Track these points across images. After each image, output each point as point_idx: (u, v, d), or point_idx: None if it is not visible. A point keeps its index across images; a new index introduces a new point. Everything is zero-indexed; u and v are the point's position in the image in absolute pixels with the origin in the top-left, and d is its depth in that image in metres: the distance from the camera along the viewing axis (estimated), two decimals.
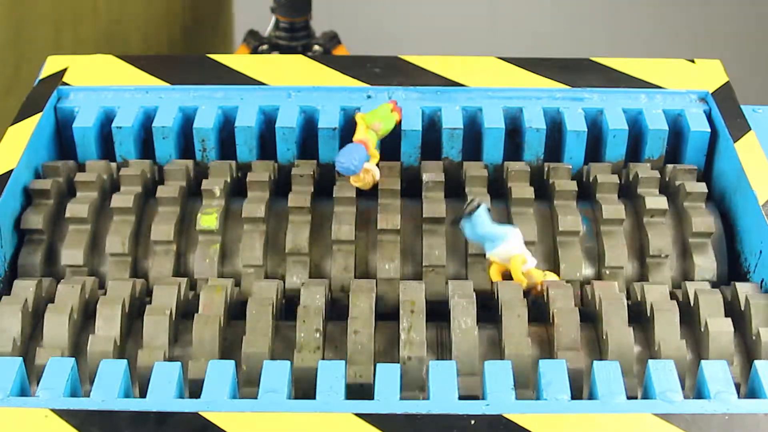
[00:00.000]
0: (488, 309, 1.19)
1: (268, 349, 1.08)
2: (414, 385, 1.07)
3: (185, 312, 1.17)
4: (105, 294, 1.15)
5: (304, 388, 1.06)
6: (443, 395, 0.99)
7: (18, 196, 1.29)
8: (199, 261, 1.26)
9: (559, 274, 1.25)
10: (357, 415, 0.96)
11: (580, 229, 1.26)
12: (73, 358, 1.03)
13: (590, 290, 1.17)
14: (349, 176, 1.27)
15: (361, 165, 1.25)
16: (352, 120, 1.41)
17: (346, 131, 1.41)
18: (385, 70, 1.48)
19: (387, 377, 1.01)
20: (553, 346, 1.09)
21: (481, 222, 1.20)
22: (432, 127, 1.41)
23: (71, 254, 1.26)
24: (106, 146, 1.42)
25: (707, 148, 1.40)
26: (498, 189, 1.36)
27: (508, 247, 1.19)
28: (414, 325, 1.09)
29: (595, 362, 1.02)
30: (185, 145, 1.43)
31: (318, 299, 1.13)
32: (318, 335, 1.09)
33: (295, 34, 2.78)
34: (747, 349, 1.11)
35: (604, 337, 1.09)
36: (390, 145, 1.40)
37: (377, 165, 1.30)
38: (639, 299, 1.16)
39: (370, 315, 1.10)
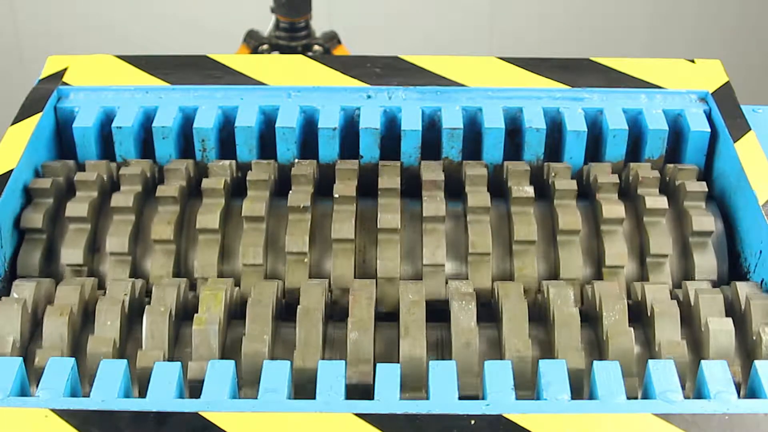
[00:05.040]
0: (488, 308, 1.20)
1: (268, 348, 1.08)
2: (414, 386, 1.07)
3: (185, 312, 1.17)
4: (104, 294, 1.15)
5: (303, 388, 1.06)
6: (443, 395, 0.99)
7: (18, 195, 1.29)
8: (199, 260, 1.26)
9: (558, 274, 1.25)
10: (357, 415, 0.96)
11: (579, 228, 1.26)
12: (73, 358, 1.03)
13: (590, 290, 1.17)
14: None
15: None
16: (352, 121, 1.41)
17: (346, 131, 1.41)
18: (385, 70, 1.48)
19: (387, 377, 1.01)
20: (554, 347, 1.09)
21: None
22: (432, 127, 1.41)
23: (71, 253, 1.26)
24: (106, 146, 1.42)
25: (707, 148, 1.40)
26: (498, 188, 1.36)
27: None
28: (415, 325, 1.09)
29: (595, 362, 1.02)
30: (185, 145, 1.43)
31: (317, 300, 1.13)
32: (318, 335, 1.09)
33: (295, 34, 2.78)
34: (747, 350, 1.11)
35: (605, 337, 1.09)
36: (390, 145, 1.40)
37: None
38: (639, 299, 1.16)
39: (369, 316, 1.10)
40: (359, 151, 1.39)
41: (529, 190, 1.29)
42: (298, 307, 1.12)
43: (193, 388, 1.06)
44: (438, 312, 1.17)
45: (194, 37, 3.71)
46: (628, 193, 1.34)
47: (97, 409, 0.97)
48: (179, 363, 1.03)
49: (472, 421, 0.95)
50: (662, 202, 1.27)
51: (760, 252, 1.23)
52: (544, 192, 1.35)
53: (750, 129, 1.36)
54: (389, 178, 1.31)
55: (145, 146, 1.42)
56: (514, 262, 1.25)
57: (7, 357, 1.05)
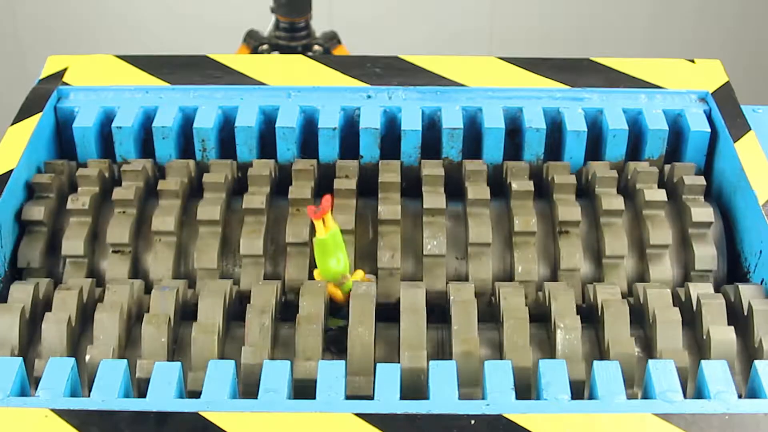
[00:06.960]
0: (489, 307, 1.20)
1: (267, 350, 1.08)
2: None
3: (184, 312, 1.17)
4: (103, 300, 1.15)
5: (303, 388, 1.06)
6: (443, 395, 0.99)
7: (18, 195, 1.29)
8: (199, 258, 1.26)
9: (559, 267, 1.25)
10: (357, 415, 0.96)
11: (579, 219, 1.25)
12: (73, 359, 1.03)
13: (592, 292, 1.17)
14: None
15: None
16: (352, 121, 1.41)
17: (346, 131, 1.41)
18: (385, 70, 1.48)
19: (387, 377, 1.01)
20: (554, 348, 1.09)
21: None
22: (432, 127, 1.41)
23: (72, 245, 1.26)
24: (106, 146, 1.42)
25: (707, 148, 1.40)
26: (498, 188, 1.36)
27: None
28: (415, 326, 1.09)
29: (595, 362, 1.02)
30: (185, 145, 1.43)
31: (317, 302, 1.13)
32: (317, 336, 1.09)
33: (295, 34, 2.78)
34: (749, 356, 1.10)
35: (606, 339, 1.09)
36: (390, 145, 1.40)
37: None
38: (641, 301, 1.16)
39: (370, 316, 1.10)
40: (359, 151, 1.39)
41: (529, 185, 1.29)
42: (299, 308, 1.12)
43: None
44: (438, 311, 1.18)
45: (194, 37, 3.71)
46: (627, 190, 1.34)
47: (97, 409, 0.97)
48: (179, 363, 1.03)
49: (472, 421, 0.95)
50: (661, 194, 1.27)
51: (760, 252, 1.23)
52: (542, 192, 1.35)
53: (750, 129, 1.36)
54: (390, 174, 1.31)
55: (145, 146, 1.42)
56: (514, 256, 1.25)
57: (7, 357, 1.05)
